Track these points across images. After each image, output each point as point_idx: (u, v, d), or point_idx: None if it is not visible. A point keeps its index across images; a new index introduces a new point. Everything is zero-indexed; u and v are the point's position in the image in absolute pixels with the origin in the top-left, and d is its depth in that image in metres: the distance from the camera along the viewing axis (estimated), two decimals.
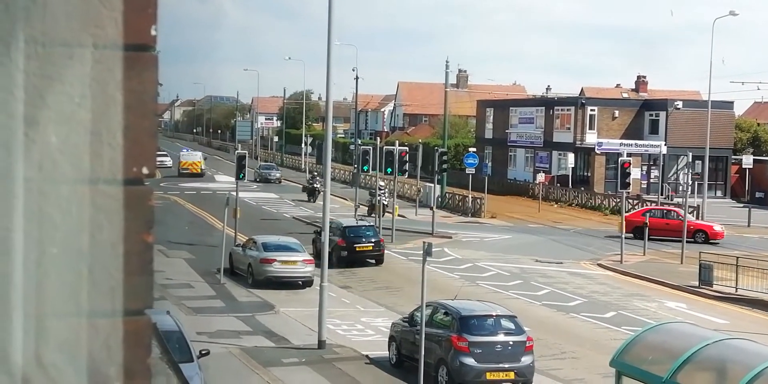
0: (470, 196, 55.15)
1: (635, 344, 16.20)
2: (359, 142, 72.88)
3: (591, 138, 67.04)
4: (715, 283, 32.68)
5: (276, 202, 60.92)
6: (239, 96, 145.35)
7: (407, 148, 46.64)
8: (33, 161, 1.58)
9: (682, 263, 37.29)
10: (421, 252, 19.57)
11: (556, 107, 71.78)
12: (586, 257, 40.32)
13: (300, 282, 32.25)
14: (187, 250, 38.64)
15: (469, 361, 20.20)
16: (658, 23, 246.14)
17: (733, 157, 68.19)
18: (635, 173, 55.18)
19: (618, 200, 50.61)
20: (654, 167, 65.14)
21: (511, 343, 20.65)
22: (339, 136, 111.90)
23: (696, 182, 52.53)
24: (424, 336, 19.57)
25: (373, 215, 49.21)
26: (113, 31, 1.60)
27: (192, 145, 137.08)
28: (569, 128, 69.02)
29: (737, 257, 33.32)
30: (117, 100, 1.61)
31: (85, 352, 1.60)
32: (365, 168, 47.69)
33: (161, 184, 67.12)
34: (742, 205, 62.71)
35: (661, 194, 58.85)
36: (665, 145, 63.33)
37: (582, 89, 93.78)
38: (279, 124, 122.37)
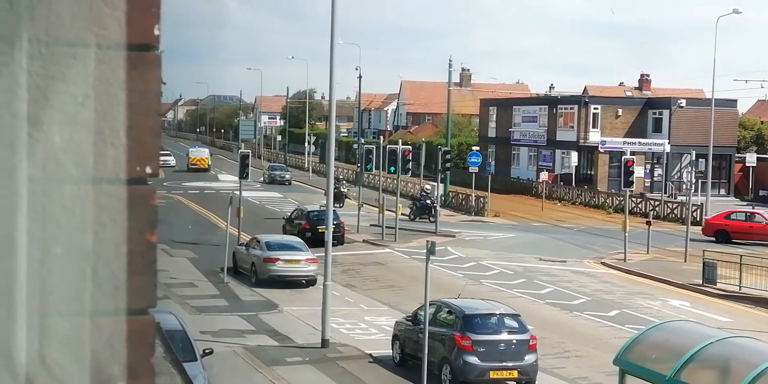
0: (473, 194, 55.14)
1: (639, 342, 16.19)
2: (362, 141, 72.91)
3: (594, 136, 67.00)
4: (718, 281, 32.66)
5: (279, 202, 60.93)
6: (242, 95, 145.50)
7: (410, 147, 46.64)
8: (36, 161, 1.58)
9: (685, 261, 37.28)
10: (425, 251, 19.57)
11: (559, 106, 71.75)
12: (589, 256, 40.32)
13: (303, 281, 32.26)
14: (191, 250, 38.67)
15: (473, 359, 20.20)
16: (662, 21, 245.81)
17: (737, 155, 68.12)
18: (639, 172, 55.17)
19: (621, 199, 50.58)
20: (657, 165, 65.09)
21: (514, 341, 20.65)
22: (342, 135, 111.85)
23: (699, 180, 52.47)
24: (427, 335, 19.58)
25: (426, 217, 49.33)
26: (116, 30, 1.60)
27: (196, 144, 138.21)
28: (572, 127, 68.99)
29: (741, 255, 33.32)
30: (120, 100, 1.61)
31: (89, 350, 1.61)
32: (368, 167, 47.68)
33: (165, 184, 67.14)
34: (745, 203, 62.65)
35: (665, 193, 58.79)
36: (669, 143, 63.27)
37: (585, 87, 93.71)
38: (282, 123, 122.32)
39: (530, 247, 41.94)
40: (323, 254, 25.87)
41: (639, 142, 64.34)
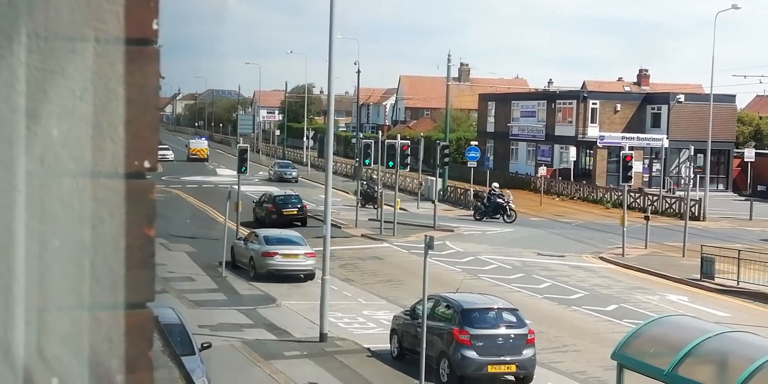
0: (472, 189, 55.15)
1: (637, 337, 16.21)
2: (361, 136, 72.92)
3: (593, 131, 67.02)
4: (716, 276, 32.69)
5: None
6: (241, 89, 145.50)
7: (409, 142, 46.63)
8: (35, 155, 1.58)
9: (684, 256, 37.31)
10: (423, 245, 19.57)
11: (558, 101, 71.73)
12: (587, 250, 40.35)
13: (302, 275, 32.28)
14: (189, 244, 38.68)
15: (471, 354, 20.23)
16: (660, 16, 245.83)
17: (735, 150, 68.15)
18: (637, 167, 55.19)
19: (620, 193, 50.59)
20: (656, 161, 65.13)
21: (512, 336, 20.67)
22: (341, 129, 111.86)
23: (698, 176, 52.50)
24: (425, 329, 19.59)
25: (500, 216, 48.91)
26: (115, 24, 1.60)
27: (196, 136, 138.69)
28: (571, 122, 69.00)
29: (739, 250, 33.33)
30: (119, 94, 1.61)
31: (87, 344, 1.61)
32: (367, 161, 47.71)
33: (163, 178, 67.13)
34: (744, 198, 62.70)
35: (663, 188, 58.81)
36: (667, 138, 63.27)
37: (584, 82, 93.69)
38: (281, 118, 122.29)
39: (528, 242, 41.97)
40: (321, 248, 25.89)
41: (637, 137, 64.34)
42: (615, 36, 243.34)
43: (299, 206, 45.12)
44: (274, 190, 51.11)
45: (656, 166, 65.13)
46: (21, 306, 1.57)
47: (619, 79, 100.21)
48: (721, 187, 66.61)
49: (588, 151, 67.48)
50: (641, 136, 65.35)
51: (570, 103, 69.90)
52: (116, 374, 1.62)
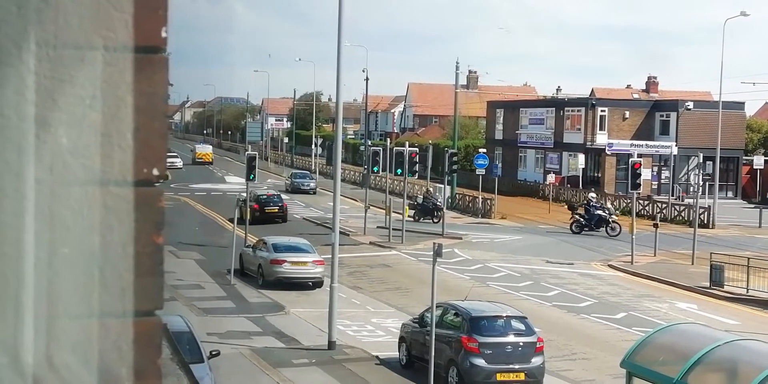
0: (480, 196, 55.11)
1: (646, 345, 16.17)
2: (369, 143, 72.86)
3: (601, 139, 66.94)
4: (726, 283, 32.60)
5: (286, 203, 60.90)
6: (249, 97, 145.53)
7: (417, 149, 46.63)
8: (44, 163, 1.58)
9: (693, 264, 37.21)
10: (432, 253, 19.56)
11: (566, 108, 71.68)
12: (596, 258, 40.27)
13: (310, 283, 32.27)
14: (198, 251, 38.71)
15: (480, 362, 20.19)
16: (669, 24, 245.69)
17: (744, 157, 67.98)
18: (646, 174, 55.02)
19: (628, 201, 50.51)
20: (665, 168, 65.01)
21: (521, 344, 20.63)
22: (349, 137, 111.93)
23: (707, 183, 52.42)
24: (434, 337, 19.57)
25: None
26: (124, 33, 1.61)
27: (201, 141, 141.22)
28: (579, 129, 68.93)
29: (748, 258, 33.23)
30: (127, 102, 1.62)
31: (96, 352, 1.61)
32: (375, 169, 47.71)
33: (172, 185, 67.22)
34: (753, 205, 62.53)
35: (672, 195, 58.71)
36: (676, 145, 63.19)
37: (592, 90, 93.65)
38: (289, 126, 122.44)
39: (537, 250, 41.91)
40: (330, 256, 25.89)
41: (646, 145, 64.26)
42: (623, 43, 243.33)
43: (280, 205, 49.43)
44: (259, 190, 53.63)
45: (665, 174, 65.00)
46: (30, 314, 1.58)
47: (628, 87, 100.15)
48: (730, 194, 66.45)
49: (597, 158, 67.40)
50: (650, 143, 65.25)
51: (578, 111, 69.84)
52: (125, 382, 1.62)
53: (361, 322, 27.35)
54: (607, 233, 46.77)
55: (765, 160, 65.06)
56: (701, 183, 44.20)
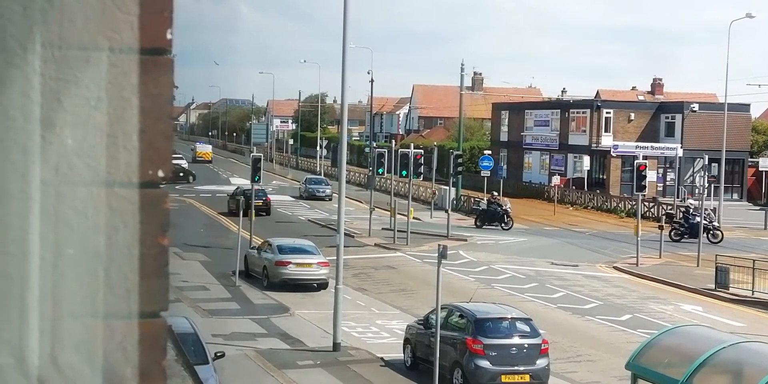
0: (485, 198, 55.10)
1: (651, 347, 16.15)
2: (374, 145, 72.89)
3: (607, 140, 66.89)
4: (731, 285, 32.55)
5: (291, 205, 60.99)
6: (255, 99, 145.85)
7: (422, 151, 46.65)
8: (49, 164, 1.59)
9: (698, 266, 37.16)
10: (437, 255, 19.56)
11: (571, 110, 71.65)
12: (601, 260, 40.23)
13: (315, 284, 32.27)
14: (203, 253, 38.72)
15: (484, 363, 20.18)
16: (674, 25, 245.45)
17: (750, 159, 67.90)
18: (651, 176, 54.97)
19: (634, 203, 50.46)
20: (670, 170, 64.95)
21: (526, 345, 20.61)
22: (354, 138, 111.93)
23: (712, 185, 52.31)
24: (439, 338, 19.56)
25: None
26: (129, 34, 1.61)
27: (201, 141, 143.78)
28: (585, 131, 68.89)
29: (754, 260, 33.18)
30: (133, 104, 1.62)
31: (101, 353, 1.61)
32: (380, 171, 47.71)
33: (177, 187, 67.27)
34: (758, 207, 62.44)
35: (677, 197, 58.65)
36: (681, 147, 63.13)
37: (598, 92, 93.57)
38: (294, 127, 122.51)
39: (542, 251, 41.88)
40: (335, 257, 25.88)
41: (651, 147, 64.21)
42: (629, 45, 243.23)
43: (264, 199, 53.12)
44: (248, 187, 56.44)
45: (670, 176, 64.95)
46: (35, 314, 1.58)
47: (633, 88, 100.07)
48: (735, 196, 66.36)
49: (602, 160, 67.36)
50: (655, 145, 65.20)
51: (583, 112, 69.80)
52: (130, 383, 1.63)
53: (366, 323, 27.34)
54: (709, 239, 44.00)
55: None
56: (706, 185, 44.12)
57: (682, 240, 45.35)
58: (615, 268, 38.29)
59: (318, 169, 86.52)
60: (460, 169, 48.22)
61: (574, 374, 22.32)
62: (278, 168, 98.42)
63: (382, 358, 23.26)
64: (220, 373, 18.21)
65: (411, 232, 43.16)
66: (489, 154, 57.82)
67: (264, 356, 23.06)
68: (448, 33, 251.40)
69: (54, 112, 1.59)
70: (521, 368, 20.32)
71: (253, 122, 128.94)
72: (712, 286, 32.96)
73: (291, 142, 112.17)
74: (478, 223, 49.83)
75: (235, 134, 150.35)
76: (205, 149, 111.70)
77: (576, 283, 34.62)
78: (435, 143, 68.14)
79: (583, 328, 27.29)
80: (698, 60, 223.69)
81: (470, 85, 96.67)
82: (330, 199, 63.19)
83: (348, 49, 25.51)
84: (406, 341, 22.91)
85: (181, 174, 73.75)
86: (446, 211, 46.56)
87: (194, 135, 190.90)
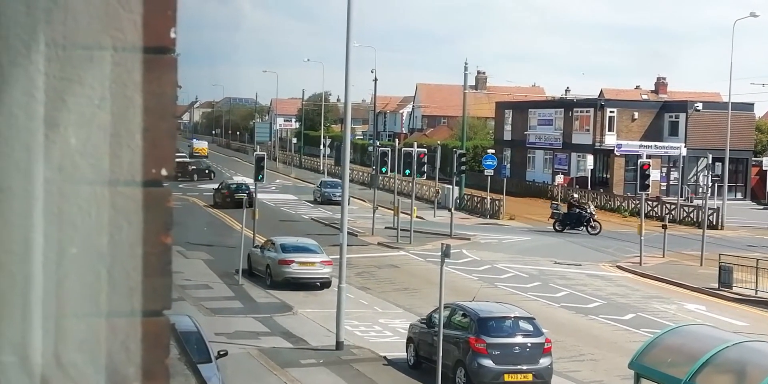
0: (489, 197, 55.09)
1: (654, 346, 16.14)
2: (378, 144, 72.87)
3: (610, 140, 66.84)
4: (734, 285, 32.53)
5: (294, 204, 61.00)
6: (258, 98, 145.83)
7: (426, 150, 46.64)
8: (53, 162, 1.59)
9: (701, 265, 37.13)
10: (440, 253, 19.56)
11: (575, 109, 71.59)
12: (605, 259, 40.22)
13: (318, 283, 32.28)
14: (206, 251, 38.75)
15: (487, 362, 20.18)
16: (678, 24, 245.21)
17: (754, 159, 67.82)
18: (655, 175, 54.97)
19: (637, 202, 50.42)
20: (674, 169, 64.90)
21: (529, 344, 20.61)
22: (357, 137, 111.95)
23: (716, 184, 52.29)
24: (442, 337, 19.56)
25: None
26: (133, 33, 1.61)
27: (211, 146, 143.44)
28: (588, 130, 68.84)
29: (757, 259, 33.15)
30: (136, 103, 1.62)
31: (104, 352, 1.61)
32: (383, 169, 47.70)
33: (180, 186, 67.31)
34: (762, 207, 62.40)
35: (681, 196, 58.62)
36: (685, 146, 63.07)
37: (601, 91, 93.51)
38: (298, 126, 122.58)
39: (545, 251, 41.86)
40: (338, 256, 25.89)
41: (655, 146, 64.15)
42: (632, 44, 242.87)
43: (247, 192, 53.35)
44: (235, 181, 61.82)
45: (674, 175, 64.88)
46: (38, 313, 1.58)
47: (637, 87, 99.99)
48: (739, 195, 66.29)
49: (605, 159, 67.32)
50: (659, 144, 65.14)
51: (587, 112, 69.76)
52: (133, 382, 1.63)
53: (368, 322, 27.35)
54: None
55: None
56: (710, 184, 44.08)
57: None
58: (618, 267, 38.28)
59: (321, 167, 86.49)
60: (463, 167, 48.21)
61: (577, 373, 22.32)
62: (282, 167, 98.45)
63: (385, 357, 23.27)
64: (223, 371, 18.23)
65: (414, 231, 43.16)
66: (492, 153, 57.78)
67: (267, 355, 23.08)
68: (452, 32, 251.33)
69: (58, 111, 1.59)
70: (524, 367, 20.31)
71: (256, 121, 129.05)
72: (716, 285, 32.94)
73: (294, 140, 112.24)
74: (557, 228, 48.66)
75: (238, 133, 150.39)
76: (201, 145, 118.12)
77: (579, 282, 34.61)
78: (438, 142, 68.14)
79: (587, 327, 27.28)
80: (702, 59, 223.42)
81: (474, 84, 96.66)
82: (348, 204, 60.32)
83: (352, 48, 25.51)
84: (409, 340, 22.92)
85: (207, 171, 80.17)
86: (449, 210, 46.54)
87: (198, 133, 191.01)
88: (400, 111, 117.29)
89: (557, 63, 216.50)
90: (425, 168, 45.15)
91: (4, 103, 1.57)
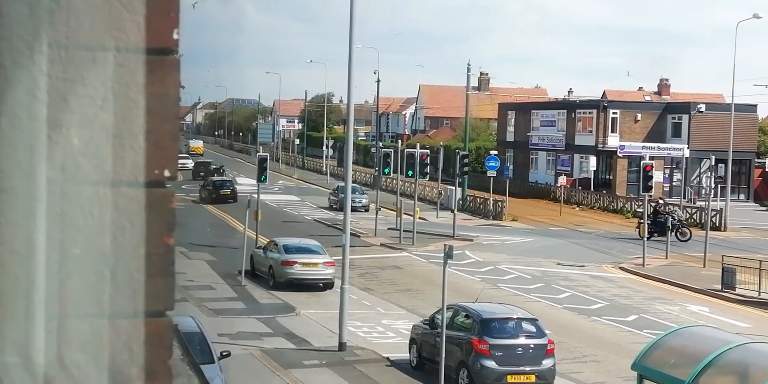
0: (491, 198, 55.08)
1: (657, 348, 16.13)
2: (380, 145, 72.86)
3: (613, 141, 66.82)
4: (738, 286, 32.49)
5: (297, 205, 61.01)
6: (261, 99, 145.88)
7: (428, 151, 46.63)
8: (56, 163, 1.59)
9: (704, 267, 37.11)
10: (442, 255, 19.55)
11: (578, 110, 71.58)
12: (608, 260, 40.19)
13: (321, 284, 32.28)
14: (209, 252, 38.75)
15: (490, 363, 20.17)
16: (681, 26, 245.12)
17: (757, 160, 67.77)
18: (657, 176, 54.97)
19: (640, 203, 50.40)
20: (676, 170, 64.84)
21: (532, 346, 20.60)
22: (360, 138, 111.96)
23: (719, 186, 52.24)
24: (444, 338, 19.56)
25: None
26: (136, 34, 1.61)
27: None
28: (591, 131, 68.83)
29: (760, 261, 33.10)
30: (139, 104, 1.62)
31: (107, 352, 1.61)
32: (386, 171, 47.69)
33: (183, 186, 67.34)
34: (765, 208, 62.34)
35: (684, 197, 58.59)
36: (688, 148, 63.03)
37: (604, 92, 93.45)
38: (300, 127, 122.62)
39: (548, 252, 41.84)
40: (341, 257, 25.89)
41: (658, 147, 64.09)
42: (635, 45, 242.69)
43: (231, 188, 59.30)
44: (220, 178, 65.50)
45: (677, 176, 64.83)
46: (41, 314, 1.58)
47: (640, 89, 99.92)
48: (742, 197, 66.23)
49: (608, 160, 67.29)
50: (662, 145, 65.09)
51: (590, 113, 69.74)
52: (136, 382, 1.63)
53: (371, 323, 27.35)
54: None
55: None
56: (713, 185, 44.06)
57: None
58: (621, 268, 38.25)
59: (324, 169, 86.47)
60: (466, 169, 48.18)
61: (580, 375, 22.30)
62: (284, 168, 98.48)
63: (387, 358, 23.27)
64: (225, 372, 18.23)
65: (417, 232, 43.15)
66: (495, 155, 57.76)
67: (270, 356, 23.08)
68: (455, 33, 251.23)
69: (60, 112, 1.59)
70: (527, 368, 20.30)
71: (259, 122, 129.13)
72: (719, 286, 32.91)
73: (297, 141, 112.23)
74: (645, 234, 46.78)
75: (241, 134, 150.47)
76: (196, 144, 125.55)
77: (582, 283, 34.59)
78: (441, 143, 68.19)
79: (589, 328, 27.26)
80: (705, 61, 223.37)
81: (476, 85, 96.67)
82: (366, 210, 55.36)
83: (354, 49, 25.52)
84: (412, 341, 22.91)
85: (222, 170, 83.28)
86: (452, 211, 46.54)
87: (201, 135, 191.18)
88: (403, 112, 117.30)
89: (560, 65, 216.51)
90: (428, 169, 45.13)
91: (7, 103, 1.57)
